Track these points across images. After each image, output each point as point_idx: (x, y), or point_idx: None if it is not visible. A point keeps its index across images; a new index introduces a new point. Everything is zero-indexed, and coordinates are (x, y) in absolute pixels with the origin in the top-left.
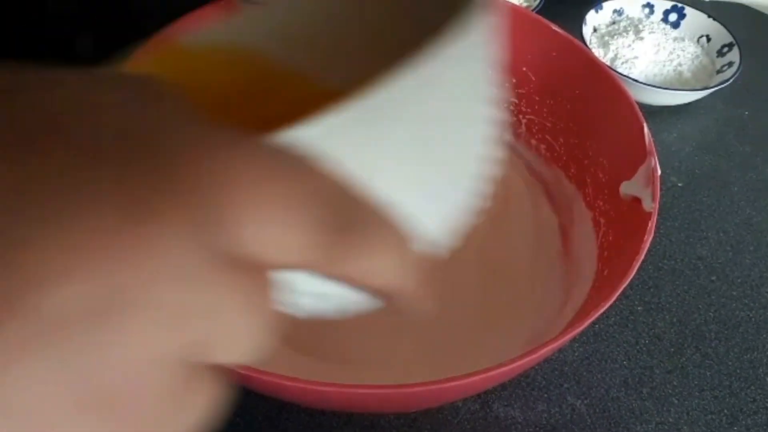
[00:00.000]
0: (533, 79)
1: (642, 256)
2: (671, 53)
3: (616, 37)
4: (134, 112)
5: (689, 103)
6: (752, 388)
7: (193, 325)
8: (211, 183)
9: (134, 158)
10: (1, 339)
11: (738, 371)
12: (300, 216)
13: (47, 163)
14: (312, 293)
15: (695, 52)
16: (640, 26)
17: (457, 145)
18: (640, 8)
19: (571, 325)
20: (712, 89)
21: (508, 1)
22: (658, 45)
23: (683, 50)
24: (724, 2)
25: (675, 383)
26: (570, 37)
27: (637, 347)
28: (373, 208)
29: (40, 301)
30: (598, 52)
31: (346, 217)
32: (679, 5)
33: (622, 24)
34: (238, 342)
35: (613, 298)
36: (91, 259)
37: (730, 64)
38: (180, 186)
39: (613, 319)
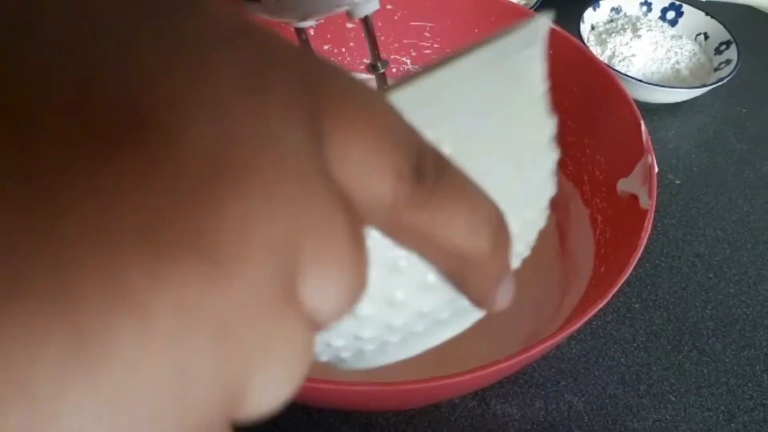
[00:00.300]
0: None
1: (639, 254)
2: (669, 51)
3: (613, 35)
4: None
5: (687, 101)
6: (749, 385)
7: (295, 211)
8: (321, 96)
9: (255, 53)
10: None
11: (735, 368)
12: (398, 147)
13: (176, 46)
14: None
15: (693, 49)
16: (638, 24)
17: (525, 155)
18: (637, 6)
19: (568, 322)
20: (710, 87)
21: (506, 0)
22: (656, 43)
23: (681, 48)
24: (722, 0)
25: (672, 380)
26: (567, 35)
27: (635, 344)
28: (463, 169)
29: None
30: (595, 50)
31: (439, 164)
32: (677, 3)
33: (620, 22)
34: (332, 275)
35: (610, 296)
36: (208, 110)
37: (728, 61)
38: (294, 89)
39: (610, 316)
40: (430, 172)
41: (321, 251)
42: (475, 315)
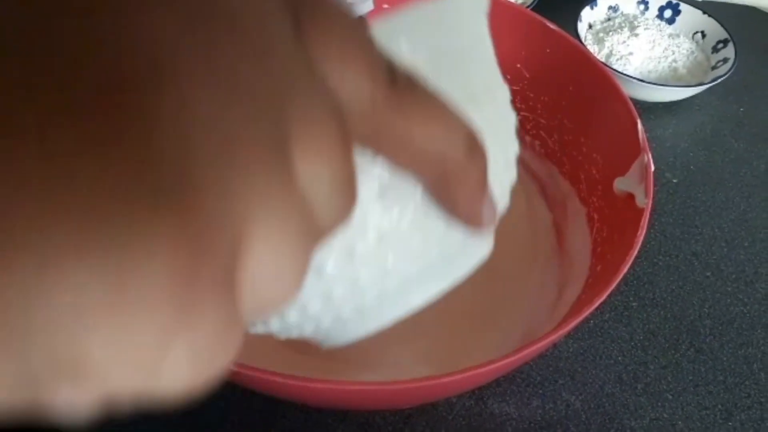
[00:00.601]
0: (527, 75)
1: (635, 252)
2: (666, 50)
3: (611, 33)
4: None
5: (684, 100)
6: (746, 383)
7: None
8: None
9: None
10: None
11: (732, 367)
12: (371, 56)
13: None
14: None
15: (690, 48)
16: (635, 23)
17: (488, 107)
18: (635, 5)
19: (565, 321)
20: (707, 85)
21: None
22: (653, 41)
23: (678, 46)
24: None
25: (669, 379)
26: (564, 33)
27: (632, 343)
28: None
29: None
30: (593, 48)
31: (410, 77)
32: (674, 1)
33: (617, 20)
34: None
35: (607, 294)
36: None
37: (725, 60)
38: None
39: (607, 315)
40: (401, 81)
41: (309, 123)
42: (464, 265)
